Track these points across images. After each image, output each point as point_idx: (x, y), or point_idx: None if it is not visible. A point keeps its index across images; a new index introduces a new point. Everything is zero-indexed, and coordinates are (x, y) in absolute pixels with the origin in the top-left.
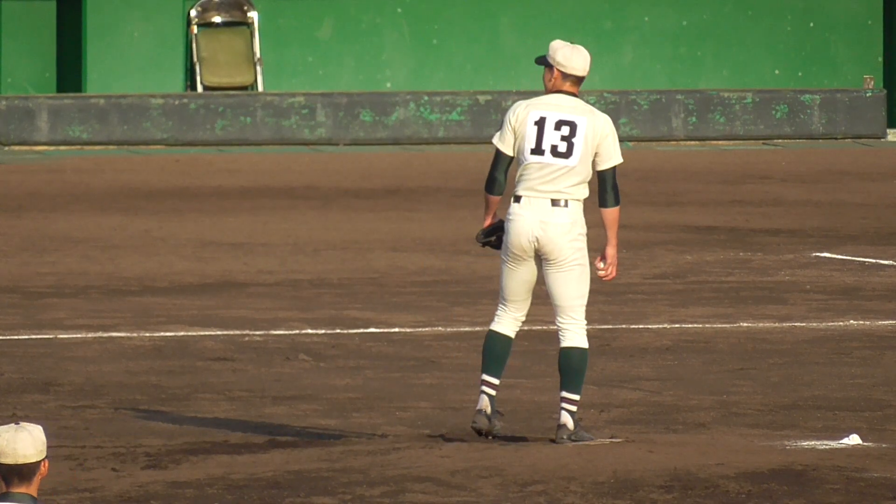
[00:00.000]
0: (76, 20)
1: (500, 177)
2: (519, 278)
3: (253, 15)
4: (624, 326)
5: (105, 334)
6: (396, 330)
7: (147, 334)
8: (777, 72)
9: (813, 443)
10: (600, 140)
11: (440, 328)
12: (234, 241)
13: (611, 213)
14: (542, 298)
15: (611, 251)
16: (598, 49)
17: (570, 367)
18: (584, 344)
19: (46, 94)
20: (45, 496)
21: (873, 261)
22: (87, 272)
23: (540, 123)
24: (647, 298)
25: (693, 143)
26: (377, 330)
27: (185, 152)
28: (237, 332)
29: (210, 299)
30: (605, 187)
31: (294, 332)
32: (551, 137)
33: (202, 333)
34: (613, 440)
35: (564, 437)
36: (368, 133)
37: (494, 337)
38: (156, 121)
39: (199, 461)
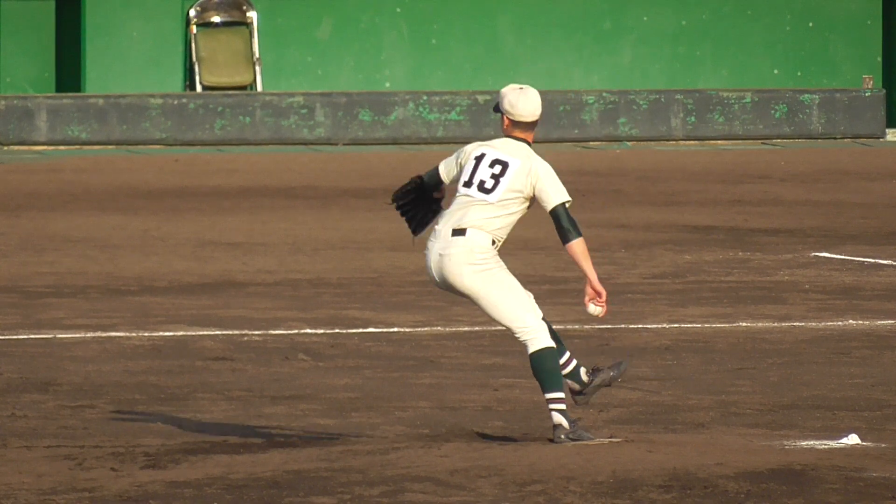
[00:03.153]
0: (75, 20)
1: (424, 177)
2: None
3: (252, 15)
4: (623, 326)
5: (104, 334)
6: (395, 330)
7: (146, 334)
8: (776, 71)
9: (812, 442)
10: (534, 183)
11: (439, 328)
12: (233, 241)
13: (574, 248)
14: (540, 298)
15: (591, 287)
16: (597, 49)
17: (543, 369)
18: (547, 344)
19: (45, 94)
20: (45, 496)
21: (872, 260)
22: (86, 272)
23: (479, 159)
24: (645, 298)
25: (692, 142)
26: (376, 330)
27: (184, 152)
28: (236, 332)
29: (209, 299)
30: (560, 224)
31: (293, 331)
32: (483, 173)
33: (201, 333)
34: (612, 440)
35: (562, 436)
36: (367, 133)
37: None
38: (155, 120)
39: (198, 461)
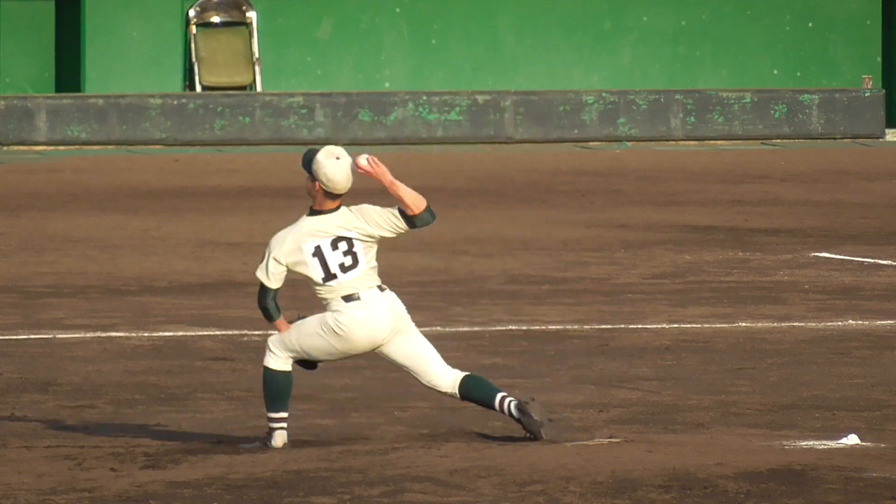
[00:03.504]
0: (75, 20)
1: (272, 304)
2: (336, 357)
3: (252, 15)
4: (623, 326)
5: (104, 334)
6: None
7: (146, 334)
8: (776, 72)
9: (812, 443)
10: (371, 222)
11: (438, 328)
12: (232, 241)
13: (418, 205)
14: (540, 298)
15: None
16: (597, 49)
17: (478, 386)
18: (463, 373)
19: (45, 94)
20: (44, 496)
21: (872, 260)
22: (86, 272)
23: (318, 253)
24: (645, 298)
25: (692, 143)
26: None
27: (183, 152)
28: (236, 332)
29: (209, 299)
30: (412, 221)
31: None
32: (335, 259)
33: (201, 333)
34: (612, 440)
35: (529, 402)
36: (367, 133)
37: (283, 376)
38: (154, 120)
39: (198, 461)
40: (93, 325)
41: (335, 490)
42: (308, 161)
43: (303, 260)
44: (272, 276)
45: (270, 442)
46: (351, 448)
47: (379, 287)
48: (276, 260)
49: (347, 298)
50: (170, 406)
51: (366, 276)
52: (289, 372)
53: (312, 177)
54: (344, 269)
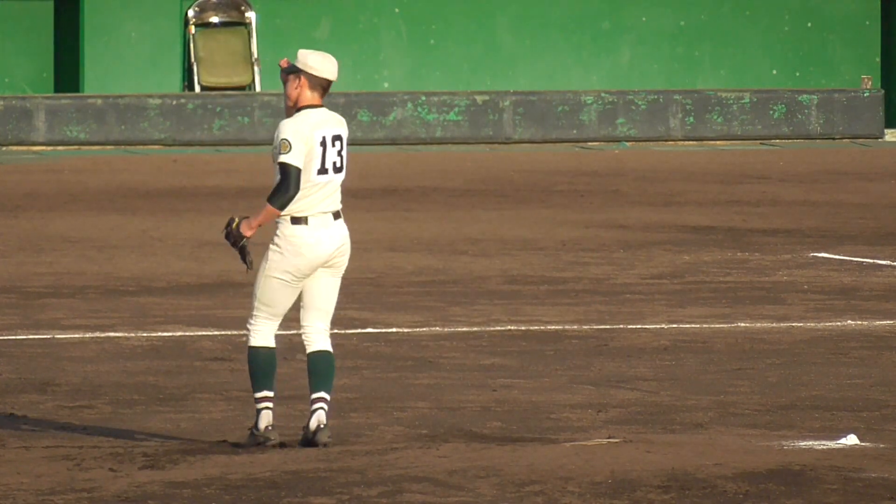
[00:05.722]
0: (74, 20)
1: (295, 193)
2: (294, 295)
3: (250, 15)
4: (621, 326)
5: (102, 334)
6: (394, 330)
7: (144, 334)
8: (775, 72)
9: (810, 443)
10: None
11: (437, 328)
12: None
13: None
14: (538, 298)
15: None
16: (596, 49)
17: (314, 371)
18: (322, 345)
19: (44, 94)
20: (43, 496)
21: (871, 261)
22: (85, 272)
23: (324, 143)
24: (644, 298)
25: (690, 143)
26: (374, 330)
27: (182, 152)
28: (235, 332)
29: (208, 299)
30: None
31: (291, 332)
32: (331, 154)
33: (200, 333)
34: (611, 440)
35: (321, 433)
36: (366, 133)
37: (264, 352)
38: (153, 121)
39: (197, 461)
40: (91, 326)
41: (334, 490)
42: (290, 66)
43: (313, 148)
44: (298, 156)
45: (258, 426)
46: (350, 448)
47: (334, 214)
48: (301, 142)
49: (295, 221)
50: (168, 406)
51: (335, 193)
52: (271, 348)
53: (296, 74)
54: (335, 168)
